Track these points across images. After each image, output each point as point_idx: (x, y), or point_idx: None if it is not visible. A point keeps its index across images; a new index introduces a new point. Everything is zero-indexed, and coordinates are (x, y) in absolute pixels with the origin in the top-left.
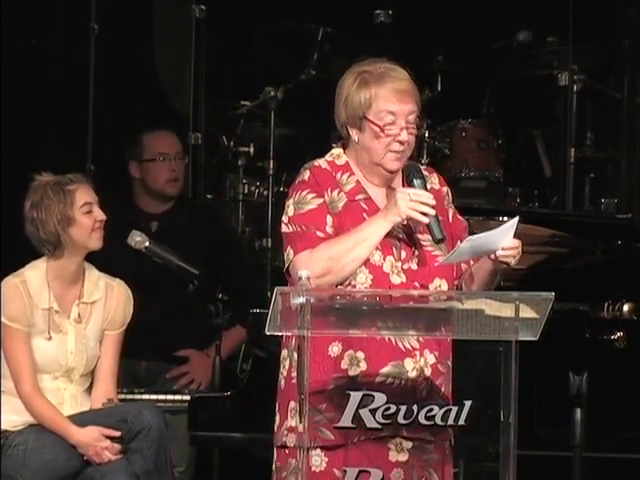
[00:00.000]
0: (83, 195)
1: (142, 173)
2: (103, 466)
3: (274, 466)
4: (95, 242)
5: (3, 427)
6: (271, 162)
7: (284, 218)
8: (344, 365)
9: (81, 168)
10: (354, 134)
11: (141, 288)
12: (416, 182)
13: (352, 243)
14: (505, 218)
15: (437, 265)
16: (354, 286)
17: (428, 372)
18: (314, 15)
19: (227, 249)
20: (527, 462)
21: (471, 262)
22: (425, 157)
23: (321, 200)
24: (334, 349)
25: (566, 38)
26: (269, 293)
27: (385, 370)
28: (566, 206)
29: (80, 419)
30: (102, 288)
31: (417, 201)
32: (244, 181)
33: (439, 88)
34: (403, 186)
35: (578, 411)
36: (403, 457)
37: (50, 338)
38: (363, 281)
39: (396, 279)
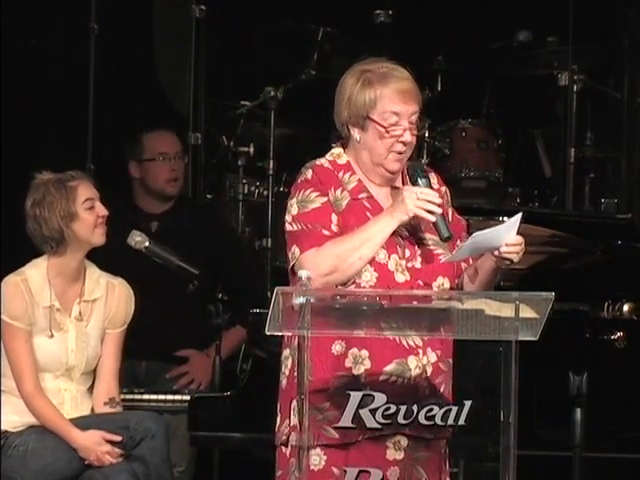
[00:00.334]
0: (85, 191)
1: (142, 173)
2: (106, 468)
3: (276, 465)
4: (98, 238)
5: (3, 427)
6: (271, 162)
7: (287, 217)
8: (348, 363)
9: (81, 168)
10: (356, 133)
11: (141, 288)
12: (421, 181)
13: (359, 241)
14: (505, 218)
15: (440, 263)
16: (359, 284)
17: (430, 370)
18: (314, 15)
19: (227, 249)
20: (527, 462)
21: (470, 261)
22: (425, 157)
23: (325, 199)
24: (337, 347)
25: (566, 38)
26: (269, 293)
27: (389, 368)
28: (566, 206)
29: (82, 423)
30: (103, 286)
31: (424, 199)
32: (244, 181)
33: (439, 88)
34: (404, 185)
35: (578, 411)
36: (399, 455)
37: (52, 336)
38: (368, 279)
39: (400, 277)
